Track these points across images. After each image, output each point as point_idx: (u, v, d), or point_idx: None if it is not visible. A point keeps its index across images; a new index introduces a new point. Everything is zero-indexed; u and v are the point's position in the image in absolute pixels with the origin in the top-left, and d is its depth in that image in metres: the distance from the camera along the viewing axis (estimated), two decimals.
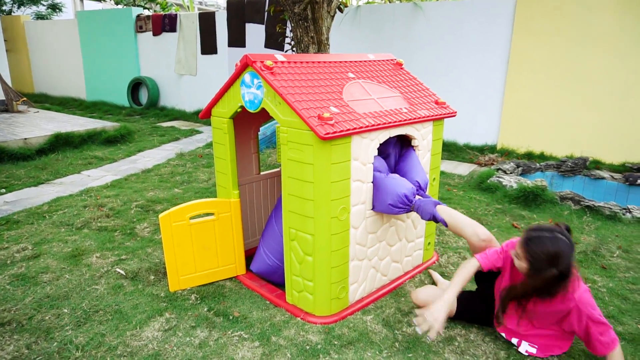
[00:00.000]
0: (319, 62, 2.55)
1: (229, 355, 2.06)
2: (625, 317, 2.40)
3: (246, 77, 2.34)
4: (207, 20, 8.58)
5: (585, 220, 3.74)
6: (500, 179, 4.46)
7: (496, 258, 2.08)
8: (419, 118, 2.52)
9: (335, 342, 2.15)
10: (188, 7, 13.00)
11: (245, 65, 2.30)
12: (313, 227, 2.19)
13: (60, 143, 5.88)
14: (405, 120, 2.41)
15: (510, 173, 4.85)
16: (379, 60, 2.94)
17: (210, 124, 8.17)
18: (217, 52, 8.61)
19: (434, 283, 2.73)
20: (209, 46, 8.73)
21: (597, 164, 5.21)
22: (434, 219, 2.27)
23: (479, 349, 2.11)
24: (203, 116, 2.72)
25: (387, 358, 2.05)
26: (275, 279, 2.67)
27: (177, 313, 2.38)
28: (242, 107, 2.44)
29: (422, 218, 2.33)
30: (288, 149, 2.20)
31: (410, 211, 2.37)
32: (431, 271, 2.84)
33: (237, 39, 8.22)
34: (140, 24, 9.59)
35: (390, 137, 2.45)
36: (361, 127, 2.15)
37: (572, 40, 5.28)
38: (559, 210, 3.92)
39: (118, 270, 2.80)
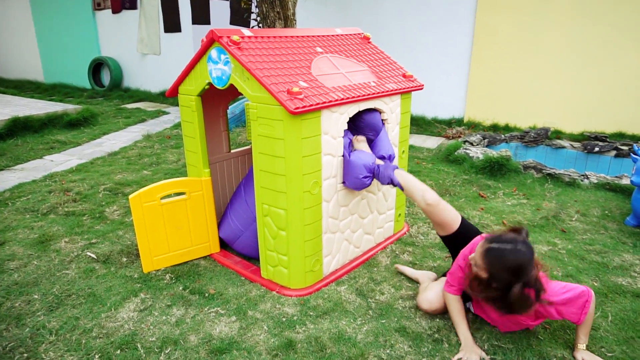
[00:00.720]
0: (286, 36, 2.53)
1: (206, 330, 2.08)
2: (583, 275, 2.55)
3: (213, 53, 2.30)
4: None
5: (547, 188, 3.91)
6: (467, 151, 4.58)
7: (461, 276, 2.02)
8: (387, 91, 2.54)
9: (311, 313, 2.21)
10: None
11: (211, 40, 2.26)
12: (285, 201, 2.21)
13: (18, 128, 5.63)
14: (373, 93, 2.44)
15: (477, 145, 4.98)
16: (346, 35, 2.93)
17: (177, 105, 7.99)
18: (181, 30, 8.36)
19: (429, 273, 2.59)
20: (172, 24, 8.46)
21: (558, 134, 5.41)
22: (392, 182, 2.34)
23: (447, 313, 2.21)
24: (170, 94, 2.67)
25: (362, 325, 2.12)
26: (237, 245, 2.70)
27: (152, 293, 2.38)
28: (209, 83, 2.40)
29: (381, 183, 2.40)
30: (258, 124, 2.19)
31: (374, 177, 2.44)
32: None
33: (201, 16, 7.99)
34: (98, 1, 9.18)
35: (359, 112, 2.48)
36: (330, 101, 2.16)
37: (533, 14, 5.39)
38: (522, 179, 4.08)
39: (89, 254, 2.75)
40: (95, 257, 2.72)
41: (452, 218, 2.22)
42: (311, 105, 2.06)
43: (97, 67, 9.60)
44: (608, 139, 5.00)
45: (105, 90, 9.31)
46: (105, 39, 9.50)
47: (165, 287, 2.44)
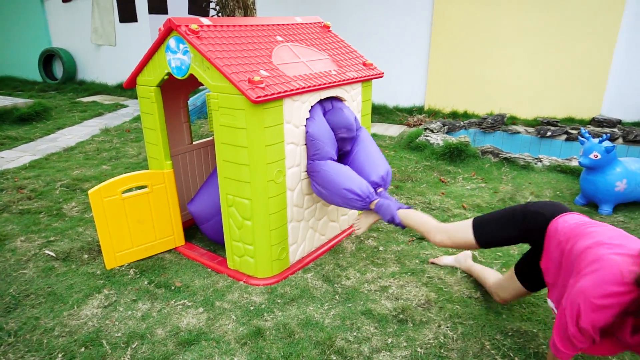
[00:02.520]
0: (245, 25, 2.51)
1: (173, 323, 2.07)
2: None
3: (171, 42, 2.26)
4: None
5: (503, 171, 4.07)
6: (428, 138, 4.70)
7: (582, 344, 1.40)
8: (348, 80, 2.57)
9: (279, 301, 2.23)
10: None
11: (169, 29, 2.22)
12: (250, 191, 2.22)
13: None
14: (334, 82, 2.46)
15: (437, 132, 5.11)
16: (306, 23, 2.93)
17: (136, 97, 7.76)
18: (137, 19, 8.10)
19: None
20: (127, 13, 8.18)
21: (514, 120, 5.62)
22: (393, 221, 2.21)
23: (410, 294, 2.29)
24: (127, 85, 2.60)
25: (329, 310, 2.16)
26: (207, 228, 2.65)
27: (117, 289, 2.34)
28: (169, 74, 2.36)
29: (382, 218, 2.28)
30: (220, 114, 2.18)
31: (369, 208, 2.32)
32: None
33: (158, 6, 7.76)
34: None
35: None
36: (292, 90, 2.17)
37: (488, 4, 5.55)
38: (480, 164, 4.22)
39: (47, 252, 2.66)
40: (55, 255, 2.63)
41: (464, 238, 1.90)
42: (273, 94, 2.06)
43: (48, 58, 9.17)
44: (559, 124, 5.24)
45: (58, 84, 8.92)
46: (56, 29, 9.07)
47: (130, 282, 2.40)
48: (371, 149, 2.54)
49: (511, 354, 1.87)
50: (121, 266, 2.54)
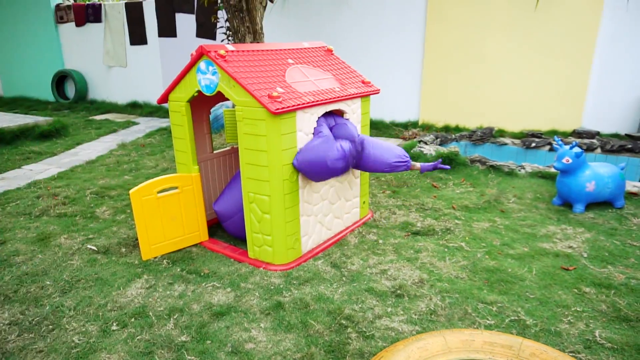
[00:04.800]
0: (262, 50, 2.95)
1: (206, 300, 2.45)
2: (516, 244, 3.09)
3: (201, 65, 2.69)
4: (134, 10, 8.52)
5: (490, 177, 4.49)
6: (422, 149, 5.13)
7: None
8: (349, 95, 3.01)
9: (294, 282, 2.62)
10: None
11: (200, 54, 2.65)
12: (269, 189, 2.62)
13: None
14: (338, 97, 2.89)
15: (430, 144, 5.55)
16: (312, 48, 3.39)
17: (146, 115, 8.22)
18: (147, 42, 8.61)
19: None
20: (138, 36, 8.69)
21: (502, 133, 6.07)
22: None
23: (406, 275, 2.67)
24: (161, 101, 3.03)
25: (337, 288, 2.55)
26: (229, 224, 3.03)
27: (154, 275, 2.72)
28: (198, 91, 2.79)
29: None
30: (243, 124, 2.60)
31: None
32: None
33: (167, 29, 8.28)
34: (61, 14, 9.27)
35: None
36: (304, 104, 2.60)
37: (476, 26, 6.06)
38: (469, 171, 4.65)
39: (89, 247, 3.05)
40: (96, 249, 3.02)
41: None
42: (288, 107, 2.49)
43: (60, 79, 9.64)
44: (543, 136, 5.69)
45: (70, 103, 9.37)
46: (69, 51, 9.57)
47: (164, 270, 2.78)
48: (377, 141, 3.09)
49: (489, 318, 2.26)
50: (155, 257, 2.92)
